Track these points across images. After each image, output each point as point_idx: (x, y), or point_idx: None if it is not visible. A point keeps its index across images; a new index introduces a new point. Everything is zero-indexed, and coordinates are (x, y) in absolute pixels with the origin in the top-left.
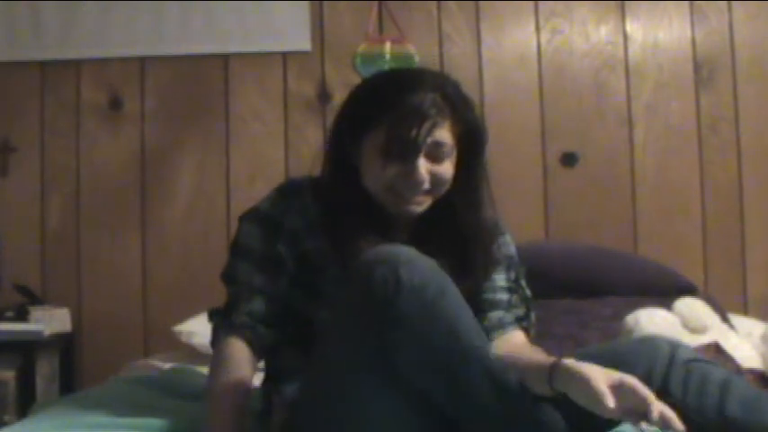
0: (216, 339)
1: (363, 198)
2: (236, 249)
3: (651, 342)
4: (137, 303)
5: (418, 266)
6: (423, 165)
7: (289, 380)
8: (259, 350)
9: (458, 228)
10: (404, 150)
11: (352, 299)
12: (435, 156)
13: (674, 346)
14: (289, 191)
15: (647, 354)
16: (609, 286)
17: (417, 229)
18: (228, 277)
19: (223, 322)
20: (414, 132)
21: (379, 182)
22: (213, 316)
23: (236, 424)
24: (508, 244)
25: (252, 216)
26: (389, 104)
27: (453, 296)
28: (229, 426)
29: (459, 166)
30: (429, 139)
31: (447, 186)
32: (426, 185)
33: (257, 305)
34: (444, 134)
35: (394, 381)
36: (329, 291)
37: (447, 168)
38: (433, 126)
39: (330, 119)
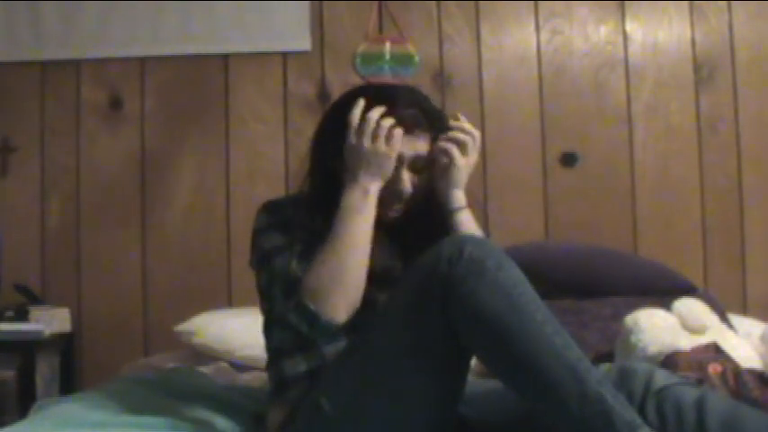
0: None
1: None
2: (265, 256)
3: (627, 372)
4: (137, 303)
5: (481, 245)
6: (406, 175)
7: (291, 386)
8: None
9: (432, 223)
10: None
11: (418, 276)
12: (416, 167)
13: (649, 374)
14: (272, 207)
15: (625, 386)
16: (609, 286)
17: (394, 227)
18: (266, 286)
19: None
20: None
21: None
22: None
23: None
24: None
25: (261, 228)
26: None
27: (513, 271)
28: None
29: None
30: (412, 152)
31: (425, 193)
32: (408, 195)
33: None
34: (424, 146)
35: (439, 369)
36: None
37: (426, 178)
38: (416, 140)
39: None
